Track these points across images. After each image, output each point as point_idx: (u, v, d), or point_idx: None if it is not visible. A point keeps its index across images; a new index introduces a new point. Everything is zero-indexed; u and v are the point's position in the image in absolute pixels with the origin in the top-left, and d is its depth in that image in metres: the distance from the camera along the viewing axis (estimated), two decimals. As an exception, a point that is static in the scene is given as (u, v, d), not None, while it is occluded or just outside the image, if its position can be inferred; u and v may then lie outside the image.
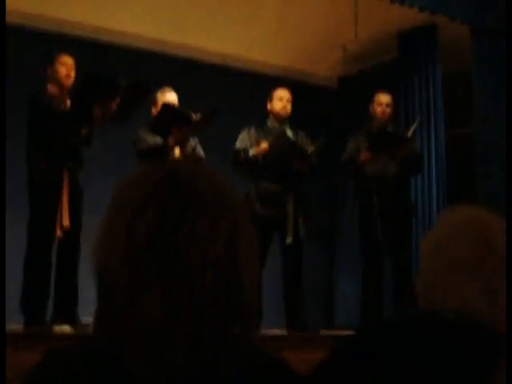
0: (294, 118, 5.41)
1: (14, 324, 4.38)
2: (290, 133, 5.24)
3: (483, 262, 1.39)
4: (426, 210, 6.52)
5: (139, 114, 4.85)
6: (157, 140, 4.83)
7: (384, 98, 5.45)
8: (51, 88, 4.67)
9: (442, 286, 1.40)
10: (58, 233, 4.43)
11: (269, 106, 5.30)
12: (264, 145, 5.05)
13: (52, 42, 5.96)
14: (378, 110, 5.42)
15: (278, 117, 5.25)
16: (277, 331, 5.02)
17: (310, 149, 5.10)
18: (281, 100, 5.24)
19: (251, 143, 5.16)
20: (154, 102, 4.98)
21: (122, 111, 4.61)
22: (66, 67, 4.64)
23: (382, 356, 1.37)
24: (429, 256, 1.46)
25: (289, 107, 5.26)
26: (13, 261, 4.80)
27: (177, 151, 4.85)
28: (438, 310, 1.39)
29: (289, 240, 4.97)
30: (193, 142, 5.07)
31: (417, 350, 1.35)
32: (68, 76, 4.64)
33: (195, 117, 4.82)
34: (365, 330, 1.52)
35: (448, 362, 1.33)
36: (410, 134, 5.24)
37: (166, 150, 4.76)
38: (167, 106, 4.80)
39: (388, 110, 5.44)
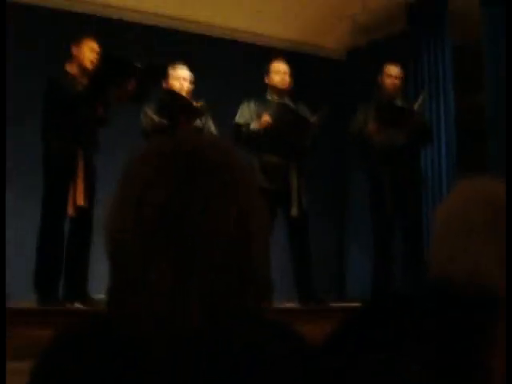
0: (302, 92, 5.37)
1: (28, 302, 4.44)
2: (290, 104, 5.20)
3: (496, 229, 1.39)
4: (435, 180, 6.49)
5: (156, 93, 4.85)
6: (163, 121, 4.82)
7: (394, 70, 5.41)
8: (70, 68, 4.65)
9: (454, 252, 1.41)
10: (71, 212, 4.44)
11: (266, 80, 5.25)
12: (266, 117, 4.99)
13: (58, 18, 5.97)
14: (388, 81, 5.38)
15: (276, 90, 5.20)
16: (288, 304, 5.04)
17: (313, 118, 5.05)
18: (278, 73, 5.19)
19: (252, 117, 5.11)
20: (165, 78, 4.96)
21: (139, 92, 4.59)
22: (93, 53, 4.63)
23: (391, 330, 1.37)
24: (442, 226, 1.46)
25: (287, 79, 5.21)
26: (26, 239, 4.85)
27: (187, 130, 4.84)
28: (450, 277, 1.39)
29: (294, 212, 4.95)
30: (203, 118, 5.04)
31: (426, 325, 1.36)
32: (93, 62, 4.62)
33: (197, 104, 4.83)
34: (374, 303, 1.53)
35: (458, 337, 1.34)
36: (417, 106, 5.20)
37: (171, 131, 4.75)
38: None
39: (397, 81, 5.40)
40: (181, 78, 4.95)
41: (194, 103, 4.85)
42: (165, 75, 4.81)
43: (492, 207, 1.42)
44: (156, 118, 4.83)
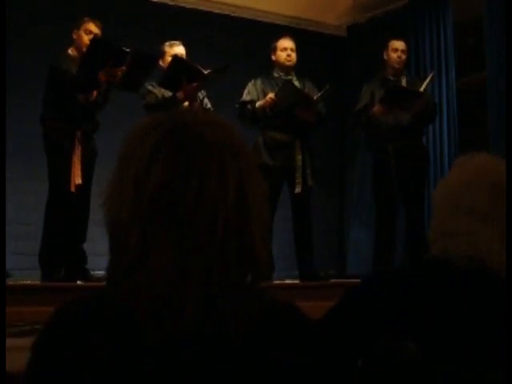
0: (304, 68, 5.35)
1: (32, 279, 4.52)
2: (296, 82, 5.18)
3: (498, 210, 1.38)
4: (437, 157, 6.49)
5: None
6: (165, 93, 4.81)
7: (399, 44, 5.35)
8: (71, 52, 4.69)
9: (455, 231, 1.40)
10: (72, 188, 4.48)
11: (273, 57, 5.23)
12: (270, 95, 4.99)
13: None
14: (394, 56, 5.31)
15: (283, 67, 5.19)
16: (289, 281, 5.06)
17: (316, 96, 5.03)
18: (284, 50, 5.17)
19: (258, 95, 5.11)
20: (162, 55, 4.93)
21: (129, 79, 4.57)
22: (91, 36, 4.61)
23: (390, 305, 1.38)
24: (443, 203, 1.46)
25: (293, 56, 5.19)
26: (30, 218, 4.90)
27: (185, 105, 4.80)
28: (450, 256, 1.39)
29: (297, 189, 4.95)
30: (200, 94, 5.03)
31: (425, 300, 1.36)
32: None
33: (205, 71, 4.77)
34: (374, 278, 1.53)
35: (457, 311, 1.34)
36: (423, 88, 5.13)
37: (174, 103, 4.72)
38: (177, 59, 4.74)
39: (403, 55, 5.35)
40: (178, 55, 4.92)
41: (203, 70, 4.79)
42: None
43: (493, 187, 1.41)
44: (159, 92, 4.81)
